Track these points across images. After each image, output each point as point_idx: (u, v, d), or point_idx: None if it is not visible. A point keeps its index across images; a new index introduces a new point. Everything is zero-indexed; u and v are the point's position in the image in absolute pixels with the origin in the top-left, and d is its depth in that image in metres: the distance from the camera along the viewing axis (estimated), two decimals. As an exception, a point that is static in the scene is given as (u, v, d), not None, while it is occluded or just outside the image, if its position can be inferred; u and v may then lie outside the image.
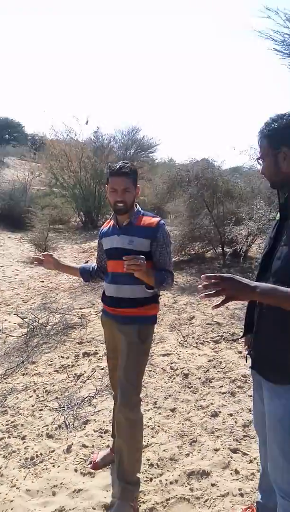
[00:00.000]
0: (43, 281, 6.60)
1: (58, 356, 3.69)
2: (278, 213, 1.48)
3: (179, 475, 2.13)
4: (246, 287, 1.17)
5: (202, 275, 1.17)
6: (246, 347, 1.66)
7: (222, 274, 1.17)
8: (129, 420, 1.90)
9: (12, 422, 2.72)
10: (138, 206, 2.04)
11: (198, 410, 2.72)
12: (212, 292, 1.15)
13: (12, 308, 5.38)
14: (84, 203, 11.89)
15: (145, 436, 2.45)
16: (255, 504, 1.80)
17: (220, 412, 2.66)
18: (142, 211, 2.03)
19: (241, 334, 1.61)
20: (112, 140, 13.78)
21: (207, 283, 1.15)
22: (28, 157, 16.95)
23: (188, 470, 2.16)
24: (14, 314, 4.92)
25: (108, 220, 2.13)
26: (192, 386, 3.00)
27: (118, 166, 1.89)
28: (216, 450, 2.31)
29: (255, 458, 2.21)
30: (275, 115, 1.36)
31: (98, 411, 2.77)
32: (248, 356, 1.56)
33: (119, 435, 1.94)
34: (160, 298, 5.13)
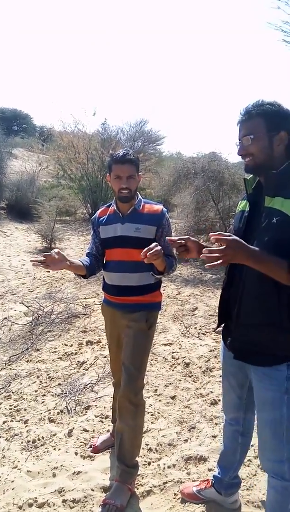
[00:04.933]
0: (48, 271, 6.66)
1: (62, 344, 3.75)
2: (245, 201, 1.50)
3: (177, 460, 2.17)
4: (248, 248, 1.22)
5: (211, 234, 1.22)
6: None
7: (226, 236, 1.22)
8: (133, 405, 1.93)
9: (15, 407, 2.78)
10: (139, 195, 2.05)
11: (198, 398, 2.75)
12: (216, 258, 1.20)
13: (18, 297, 5.45)
14: (91, 194, 11.90)
15: (144, 422, 2.48)
16: (212, 479, 1.88)
17: (219, 400, 2.69)
18: (143, 199, 2.04)
19: (216, 326, 1.63)
20: (119, 132, 13.73)
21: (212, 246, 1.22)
22: (36, 148, 16.95)
23: (186, 455, 2.19)
24: (20, 303, 4.98)
25: (104, 209, 2.10)
26: (192, 375, 3.03)
27: (121, 154, 1.90)
28: (214, 436, 2.35)
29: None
30: (272, 100, 1.37)
31: (100, 397, 2.81)
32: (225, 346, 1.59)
33: (121, 419, 1.97)
34: (164, 290, 5.17)
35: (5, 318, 4.52)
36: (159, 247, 1.68)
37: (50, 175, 14.21)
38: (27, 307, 4.71)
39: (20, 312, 4.72)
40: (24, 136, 22.35)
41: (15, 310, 4.82)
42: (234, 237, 1.21)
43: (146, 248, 1.66)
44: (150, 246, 1.66)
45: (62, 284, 5.77)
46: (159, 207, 2.00)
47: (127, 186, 1.90)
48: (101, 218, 2.06)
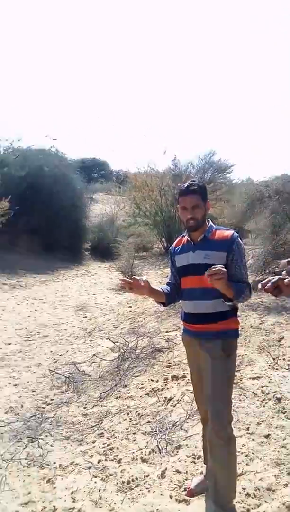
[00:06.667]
0: (130, 307, 6.86)
1: (148, 380, 3.77)
2: None
3: (278, 507, 2.01)
4: None
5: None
6: None
7: None
8: (223, 440, 1.87)
9: (108, 445, 2.83)
10: (210, 222, 2.07)
11: (295, 437, 2.54)
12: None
13: (104, 333, 5.69)
14: (165, 228, 12.20)
15: (239, 463, 2.37)
16: None
17: None
18: (214, 226, 2.05)
19: None
20: (189, 166, 13.99)
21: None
22: (113, 191, 18.09)
23: (288, 501, 2.02)
24: (106, 339, 5.18)
25: (179, 238, 2.17)
26: (286, 411, 2.83)
27: (185, 185, 1.98)
28: (318, 482, 2.14)
29: None
30: None
31: (190, 436, 2.75)
32: None
33: (212, 457, 1.91)
34: (246, 319, 4.98)
35: (94, 354, 4.73)
36: (223, 270, 1.69)
37: (127, 214, 14.95)
38: (113, 343, 4.88)
39: (107, 348, 4.90)
40: (102, 182, 24.04)
41: (102, 346, 5.02)
42: None
43: (209, 269, 1.69)
44: (214, 266, 1.69)
45: (144, 319, 5.88)
46: (230, 232, 1.99)
47: (192, 216, 1.96)
48: (176, 248, 2.14)
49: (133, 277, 1.90)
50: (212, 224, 2.06)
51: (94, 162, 30.47)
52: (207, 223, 2.04)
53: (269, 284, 1.47)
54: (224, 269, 1.70)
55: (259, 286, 1.50)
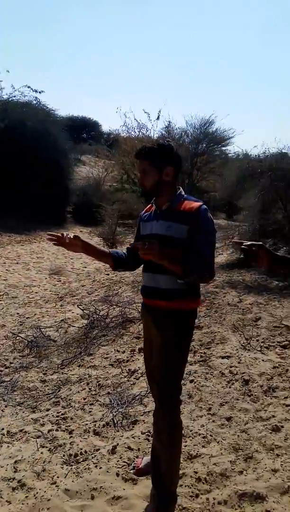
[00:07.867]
0: (108, 274, 6.66)
1: (114, 350, 3.62)
2: None
3: (229, 495, 1.88)
4: None
5: None
6: None
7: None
8: (168, 423, 1.73)
9: (62, 414, 2.69)
10: (180, 189, 1.85)
11: (257, 421, 2.42)
12: None
13: (77, 299, 5.49)
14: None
15: (195, 445, 2.25)
16: None
17: (282, 426, 2.34)
18: (185, 195, 1.83)
19: None
20: (183, 135, 13.45)
21: None
22: (102, 154, 17.46)
23: (240, 490, 1.90)
24: (78, 306, 4.99)
25: (150, 205, 1.95)
26: (252, 394, 2.70)
27: (138, 148, 1.79)
28: (275, 471, 2.02)
29: None
30: None
31: (148, 411, 2.61)
32: None
33: (157, 439, 1.78)
34: (224, 296, 4.81)
35: (62, 320, 4.54)
36: (154, 246, 1.54)
37: (115, 179, 14.50)
38: (82, 310, 4.69)
39: (77, 314, 4.72)
40: (91, 143, 23.15)
41: (72, 312, 4.84)
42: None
43: (139, 242, 1.59)
44: (146, 240, 1.57)
45: (120, 288, 5.70)
46: (197, 204, 1.75)
47: (141, 182, 1.84)
48: (144, 215, 1.95)
49: (61, 232, 1.80)
50: (183, 193, 1.83)
51: (84, 121, 28.72)
52: (177, 190, 1.82)
53: (249, 244, 1.43)
54: (155, 245, 1.54)
55: (235, 239, 1.41)
